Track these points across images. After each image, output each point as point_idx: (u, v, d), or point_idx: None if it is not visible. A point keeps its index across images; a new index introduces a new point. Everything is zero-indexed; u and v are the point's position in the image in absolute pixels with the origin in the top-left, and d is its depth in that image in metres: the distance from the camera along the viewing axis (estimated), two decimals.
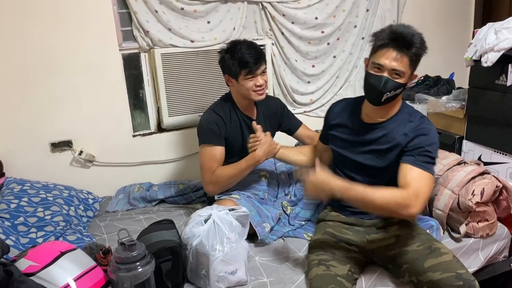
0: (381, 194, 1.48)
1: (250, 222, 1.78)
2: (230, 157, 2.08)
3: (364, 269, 1.70)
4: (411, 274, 1.56)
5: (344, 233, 1.73)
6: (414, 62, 1.56)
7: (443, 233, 1.92)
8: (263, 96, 2.06)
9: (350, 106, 1.80)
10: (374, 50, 1.57)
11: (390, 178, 1.62)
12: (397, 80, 1.54)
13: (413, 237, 1.66)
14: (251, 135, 2.01)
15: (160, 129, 2.71)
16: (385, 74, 1.54)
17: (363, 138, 1.71)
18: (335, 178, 1.50)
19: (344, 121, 1.79)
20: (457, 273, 1.46)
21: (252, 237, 1.85)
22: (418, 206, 1.48)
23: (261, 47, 2.71)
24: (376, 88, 1.56)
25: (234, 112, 2.12)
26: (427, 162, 1.56)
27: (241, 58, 1.98)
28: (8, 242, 1.76)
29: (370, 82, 1.58)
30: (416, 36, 1.53)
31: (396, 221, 1.72)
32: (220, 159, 2.05)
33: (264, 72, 2.04)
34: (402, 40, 1.51)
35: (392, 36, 1.52)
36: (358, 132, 1.73)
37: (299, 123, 2.32)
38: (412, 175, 1.53)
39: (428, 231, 1.82)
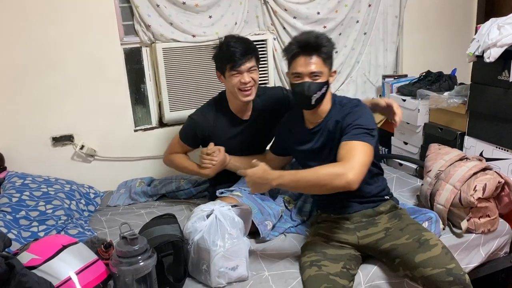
0: (314, 171, 1.52)
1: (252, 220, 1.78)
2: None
3: (361, 263, 1.70)
4: (404, 268, 1.57)
5: (334, 232, 1.73)
6: (327, 60, 1.68)
7: (444, 228, 1.92)
8: (250, 97, 1.96)
9: (294, 119, 1.90)
10: (290, 63, 1.70)
11: None
12: (318, 81, 1.66)
13: (402, 229, 1.66)
14: (205, 152, 2.03)
15: (162, 123, 2.71)
16: (306, 80, 1.65)
17: (315, 144, 1.79)
18: (269, 170, 1.58)
19: (295, 135, 1.88)
20: (446, 268, 1.47)
21: (253, 232, 1.86)
22: (354, 172, 1.46)
23: (262, 46, 2.73)
24: (303, 94, 1.66)
25: (223, 113, 2.08)
26: (360, 133, 1.60)
27: (227, 51, 1.91)
28: (10, 235, 1.76)
29: (296, 91, 1.69)
30: (321, 36, 1.67)
31: (385, 210, 1.75)
32: (182, 151, 2.19)
33: (252, 69, 1.93)
34: (308, 45, 1.64)
35: (299, 45, 1.65)
36: (308, 141, 1.81)
37: None
38: (345, 148, 1.57)
39: (426, 223, 1.83)
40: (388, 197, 1.82)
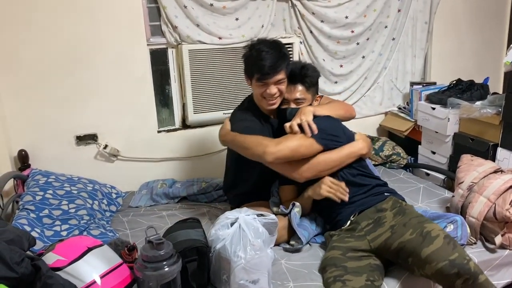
0: (250, 137, 1.82)
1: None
2: (253, 168, 1.95)
3: (385, 273, 1.65)
4: (418, 267, 1.54)
5: (347, 241, 1.72)
6: (311, 87, 1.94)
7: (476, 242, 1.85)
8: (275, 106, 1.90)
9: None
10: None
11: None
12: (301, 106, 1.90)
13: (405, 224, 1.65)
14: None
15: (185, 125, 2.69)
16: (292, 105, 1.91)
17: None
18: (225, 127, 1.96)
19: None
20: (449, 260, 1.45)
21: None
22: (275, 148, 1.73)
23: (288, 49, 2.65)
24: (285, 117, 1.89)
25: (261, 118, 1.98)
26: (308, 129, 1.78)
27: (257, 59, 1.81)
28: (33, 234, 1.76)
29: (282, 115, 1.93)
30: (305, 66, 1.94)
31: (388, 207, 1.77)
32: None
33: (281, 81, 1.84)
34: (294, 75, 1.90)
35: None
36: None
37: None
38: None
39: (452, 225, 1.79)
40: (388, 194, 1.84)
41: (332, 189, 1.79)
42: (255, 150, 1.76)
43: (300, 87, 1.91)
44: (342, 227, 1.81)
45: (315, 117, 1.83)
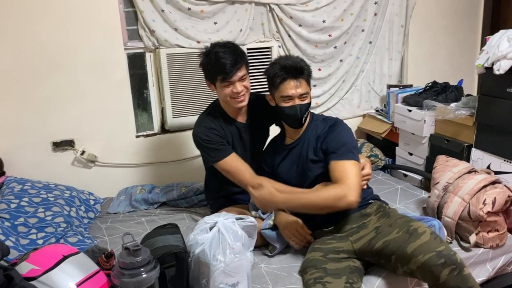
0: (317, 195, 1.67)
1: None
2: None
3: (364, 275, 1.67)
4: (401, 264, 1.55)
5: (329, 243, 1.73)
6: (309, 81, 1.85)
7: (451, 241, 1.89)
8: (244, 103, 1.92)
9: (278, 139, 2.02)
10: (276, 86, 1.80)
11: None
12: (305, 102, 1.81)
13: (391, 224, 1.67)
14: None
15: (164, 130, 2.67)
16: (296, 102, 1.79)
17: (295, 160, 1.88)
18: (276, 193, 1.66)
19: (276, 153, 1.97)
20: (437, 251, 1.46)
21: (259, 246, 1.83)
22: (353, 193, 1.61)
23: (267, 53, 2.69)
24: (296, 116, 1.80)
25: (226, 122, 2.00)
26: (347, 152, 1.72)
27: (216, 62, 1.84)
28: (8, 243, 1.72)
29: (288, 114, 1.81)
30: (301, 61, 1.83)
31: (372, 211, 1.79)
32: (241, 162, 1.93)
33: (243, 78, 1.88)
34: (295, 69, 1.78)
35: (287, 70, 1.78)
36: (285, 156, 1.92)
37: None
38: (339, 169, 1.69)
39: None
40: (372, 201, 1.85)
41: (296, 238, 1.80)
42: (338, 205, 1.62)
43: (302, 81, 1.79)
44: (324, 229, 1.82)
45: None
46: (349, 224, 1.77)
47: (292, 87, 1.77)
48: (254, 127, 2.08)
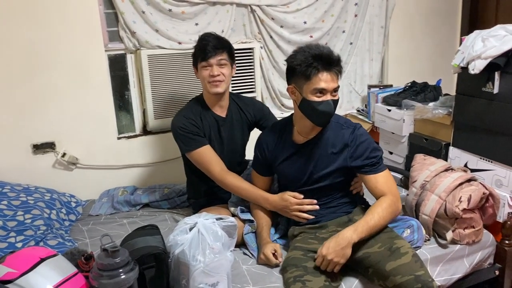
0: (378, 216, 1.64)
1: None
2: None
3: (344, 274, 1.68)
4: (378, 278, 1.57)
5: (310, 243, 1.73)
6: (341, 73, 1.70)
7: (429, 239, 1.92)
8: (219, 89, 1.97)
9: (281, 133, 1.86)
10: (308, 77, 1.62)
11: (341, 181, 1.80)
12: (336, 97, 1.69)
13: (375, 238, 1.67)
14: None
15: (146, 131, 2.67)
16: (328, 97, 1.65)
17: (305, 161, 1.78)
18: (340, 235, 1.59)
19: (281, 152, 1.84)
20: (415, 275, 1.47)
21: (240, 245, 1.85)
22: (400, 200, 1.73)
23: (249, 54, 2.72)
24: (329, 113, 1.67)
25: (206, 113, 2.05)
26: (381, 164, 1.77)
27: (199, 44, 1.97)
28: None
29: (321, 110, 1.65)
30: (333, 51, 1.66)
31: (358, 218, 1.73)
32: (214, 155, 1.99)
33: (222, 63, 1.95)
34: (331, 60, 1.62)
35: (323, 60, 1.61)
36: (294, 155, 1.81)
37: None
38: (380, 181, 1.73)
39: (408, 230, 1.84)
40: (363, 206, 1.86)
41: (298, 210, 1.80)
42: (394, 216, 1.75)
43: (335, 75, 1.65)
44: (309, 224, 1.81)
45: None
46: (334, 226, 1.78)
47: (328, 80, 1.62)
48: (233, 124, 2.12)
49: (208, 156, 1.97)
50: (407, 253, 1.56)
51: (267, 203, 1.89)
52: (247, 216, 1.95)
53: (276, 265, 1.73)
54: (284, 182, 1.91)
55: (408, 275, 1.48)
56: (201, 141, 1.98)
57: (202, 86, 2.04)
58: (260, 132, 2.10)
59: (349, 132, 1.75)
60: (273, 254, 1.74)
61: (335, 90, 1.66)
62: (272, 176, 1.97)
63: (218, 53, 1.94)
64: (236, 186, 1.94)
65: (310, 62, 1.61)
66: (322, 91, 1.63)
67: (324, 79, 1.62)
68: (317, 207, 1.80)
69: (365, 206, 1.87)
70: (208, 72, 1.95)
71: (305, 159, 1.79)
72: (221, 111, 2.09)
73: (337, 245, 1.56)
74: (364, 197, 1.96)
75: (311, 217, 1.80)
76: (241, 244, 1.88)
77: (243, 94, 2.37)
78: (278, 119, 2.12)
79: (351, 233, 1.58)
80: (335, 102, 1.67)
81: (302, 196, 1.81)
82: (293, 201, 1.80)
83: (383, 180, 1.73)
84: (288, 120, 1.86)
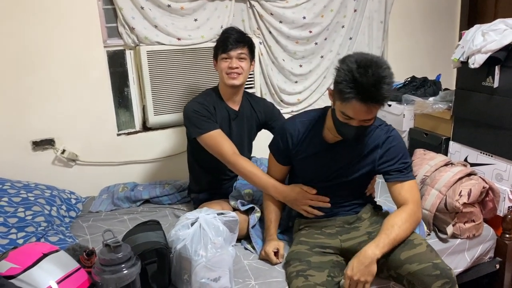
0: (398, 227, 1.56)
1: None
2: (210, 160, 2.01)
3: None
4: (389, 268, 1.57)
5: (316, 238, 1.73)
6: (383, 105, 1.48)
7: (429, 233, 1.93)
8: (236, 81, 2.01)
9: (309, 128, 1.74)
10: (341, 99, 1.46)
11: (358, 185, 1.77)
12: (367, 124, 1.54)
13: None
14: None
15: (145, 128, 2.66)
16: (355, 123, 1.51)
17: (333, 161, 1.72)
18: (362, 253, 1.52)
19: (307, 147, 1.74)
20: (433, 263, 1.48)
21: (240, 239, 1.85)
22: (420, 210, 1.68)
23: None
24: (347, 136, 1.58)
25: (220, 104, 2.09)
26: (409, 171, 1.70)
27: (222, 37, 2.03)
28: None
29: (339, 130, 1.58)
30: (383, 82, 1.39)
31: (367, 217, 1.77)
32: (227, 138, 1.97)
33: (242, 57, 2.01)
34: (368, 94, 1.40)
35: (363, 93, 1.40)
36: (325, 157, 1.72)
37: None
38: (406, 189, 1.67)
39: None
40: (372, 205, 1.84)
41: (308, 205, 1.76)
42: (416, 226, 1.69)
43: (372, 108, 1.45)
44: (315, 218, 1.79)
45: None
46: (342, 222, 1.76)
47: (361, 112, 1.45)
48: (243, 119, 2.15)
49: (221, 138, 1.96)
50: (421, 244, 1.57)
51: (276, 192, 1.83)
52: (248, 206, 1.95)
53: (276, 264, 1.73)
54: (301, 174, 1.82)
55: (425, 262, 1.48)
56: (214, 124, 2.00)
57: (219, 78, 2.08)
58: (270, 133, 2.17)
59: (383, 133, 1.68)
60: (275, 253, 1.74)
61: (366, 120, 1.51)
62: (289, 166, 1.85)
63: (239, 46, 1.99)
64: (248, 170, 1.89)
65: (349, 87, 1.41)
66: (350, 118, 1.50)
67: (356, 110, 1.45)
68: (329, 205, 1.76)
69: (374, 206, 1.85)
70: (227, 64, 2.00)
71: (334, 158, 1.71)
72: (234, 105, 2.12)
73: (360, 264, 1.50)
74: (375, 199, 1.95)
75: (321, 213, 1.77)
76: (244, 238, 1.88)
77: (256, 95, 2.40)
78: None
79: (373, 249, 1.51)
80: (364, 127, 1.54)
81: (315, 191, 1.76)
82: (308, 196, 1.77)
83: (408, 188, 1.66)
84: (321, 115, 1.73)
